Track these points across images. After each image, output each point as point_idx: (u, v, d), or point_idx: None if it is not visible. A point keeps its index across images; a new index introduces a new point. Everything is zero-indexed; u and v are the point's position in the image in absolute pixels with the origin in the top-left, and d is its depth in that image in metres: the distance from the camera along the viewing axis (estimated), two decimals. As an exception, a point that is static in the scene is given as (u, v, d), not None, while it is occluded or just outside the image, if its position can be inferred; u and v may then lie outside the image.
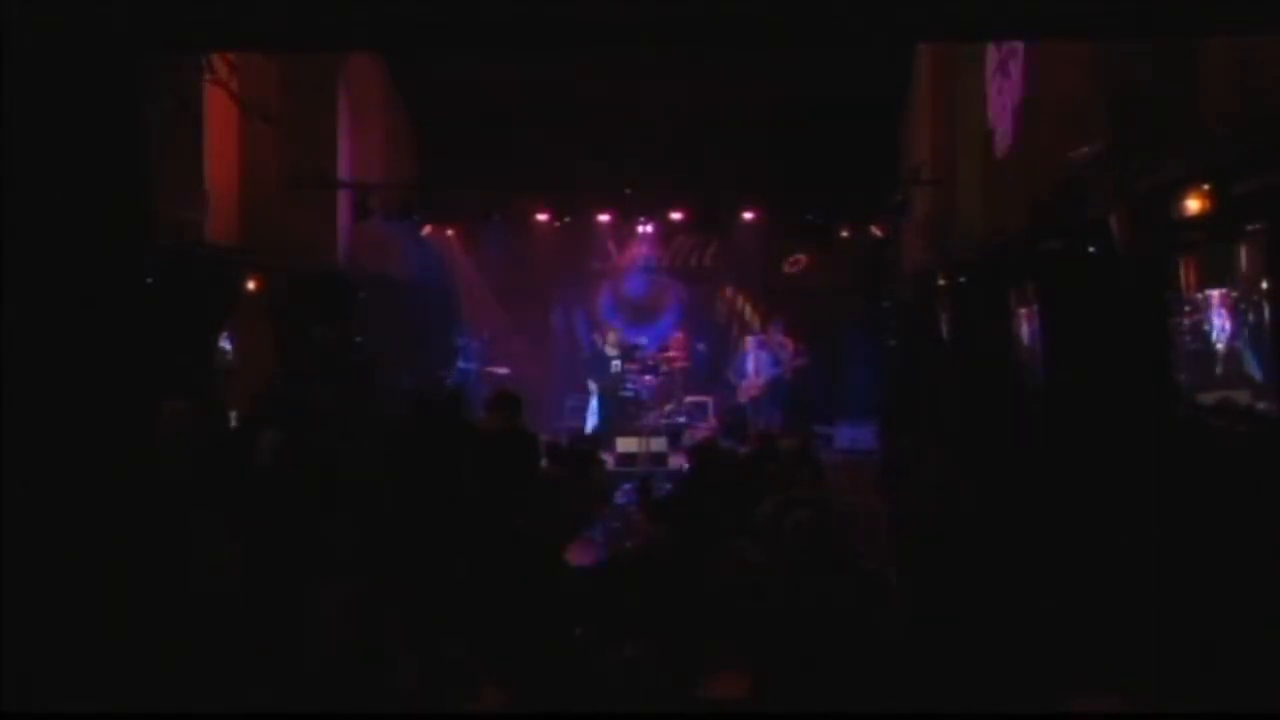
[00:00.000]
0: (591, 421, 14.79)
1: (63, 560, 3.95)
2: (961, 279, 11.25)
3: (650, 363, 15.11)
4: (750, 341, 14.72)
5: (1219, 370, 6.18)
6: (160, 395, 4.87)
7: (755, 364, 14.43)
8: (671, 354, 15.44)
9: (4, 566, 3.81)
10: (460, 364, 15.24)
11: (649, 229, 15.60)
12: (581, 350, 16.17)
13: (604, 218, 15.31)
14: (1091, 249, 7.35)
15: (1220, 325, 6.13)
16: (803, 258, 16.02)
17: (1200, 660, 4.49)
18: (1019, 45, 9.95)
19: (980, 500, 7.13)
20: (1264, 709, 4.10)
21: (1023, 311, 9.33)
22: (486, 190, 14.40)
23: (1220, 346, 6.15)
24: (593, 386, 15.11)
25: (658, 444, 13.59)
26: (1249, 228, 5.68)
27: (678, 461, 12.55)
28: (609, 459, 12.36)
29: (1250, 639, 4.67)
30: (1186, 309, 6.49)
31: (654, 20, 4.27)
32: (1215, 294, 6.18)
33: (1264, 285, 5.61)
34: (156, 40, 4.36)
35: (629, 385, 15.02)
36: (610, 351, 15.16)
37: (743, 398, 14.65)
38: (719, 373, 16.02)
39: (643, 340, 15.71)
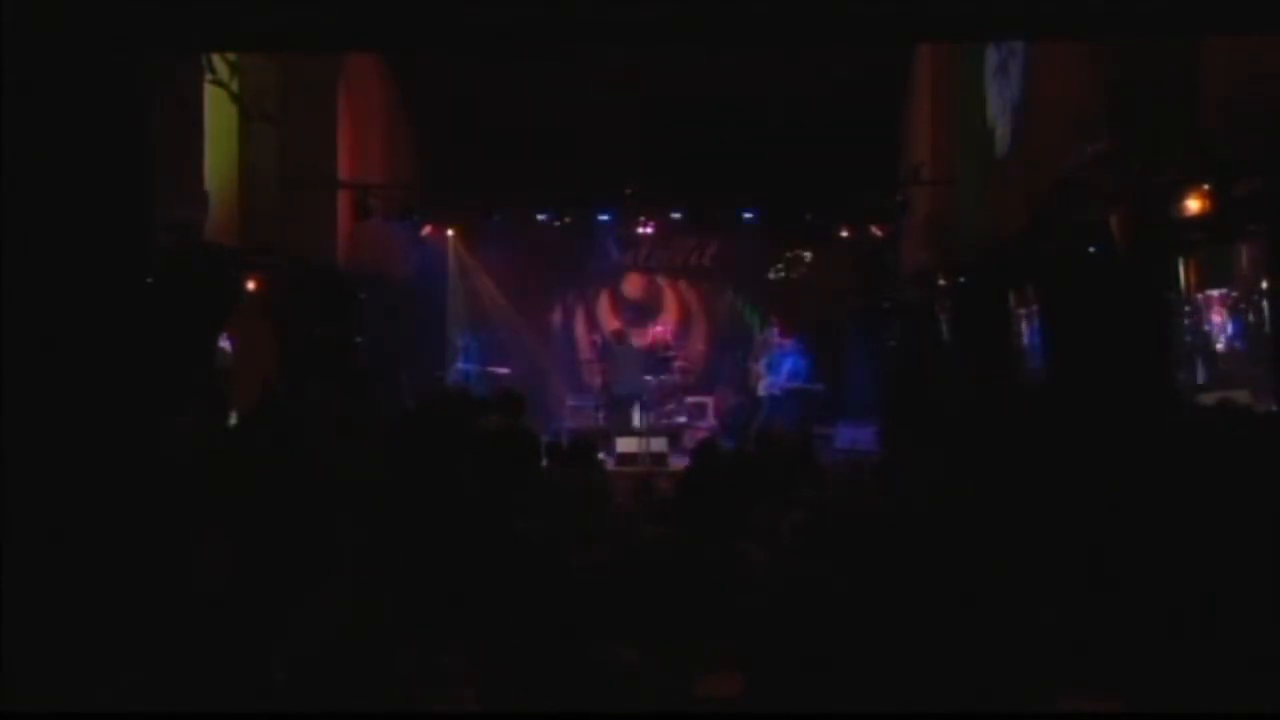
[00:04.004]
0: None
1: (63, 559, 3.96)
2: (961, 279, 11.25)
3: (651, 362, 15.13)
4: (788, 343, 14.61)
5: (1219, 370, 6.18)
6: (160, 394, 4.87)
7: (793, 367, 14.33)
8: (673, 354, 15.45)
9: (4, 566, 3.81)
10: (460, 364, 15.23)
11: (649, 229, 15.60)
12: (581, 350, 16.18)
13: (604, 218, 15.33)
14: (1091, 249, 7.35)
15: (1220, 325, 6.14)
16: (803, 256, 16.02)
17: (1200, 660, 4.49)
18: (1019, 45, 9.95)
19: (980, 500, 7.13)
20: (1264, 709, 4.10)
21: (1023, 311, 9.34)
22: (486, 190, 14.39)
23: (1220, 346, 6.15)
24: None
25: (658, 444, 13.59)
26: (1249, 228, 5.69)
27: (678, 461, 12.55)
28: (609, 459, 12.35)
29: (1251, 639, 4.67)
30: (1186, 309, 6.49)
31: (653, 21, 4.27)
32: (1215, 294, 6.18)
33: (1264, 285, 5.62)
34: (156, 40, 4.36)
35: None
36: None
37: (762, 392, 14.59)
38: (719, 373, 16.05)
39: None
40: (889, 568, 5.21)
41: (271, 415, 8.15)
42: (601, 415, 14.87)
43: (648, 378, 14.91)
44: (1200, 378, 6.36)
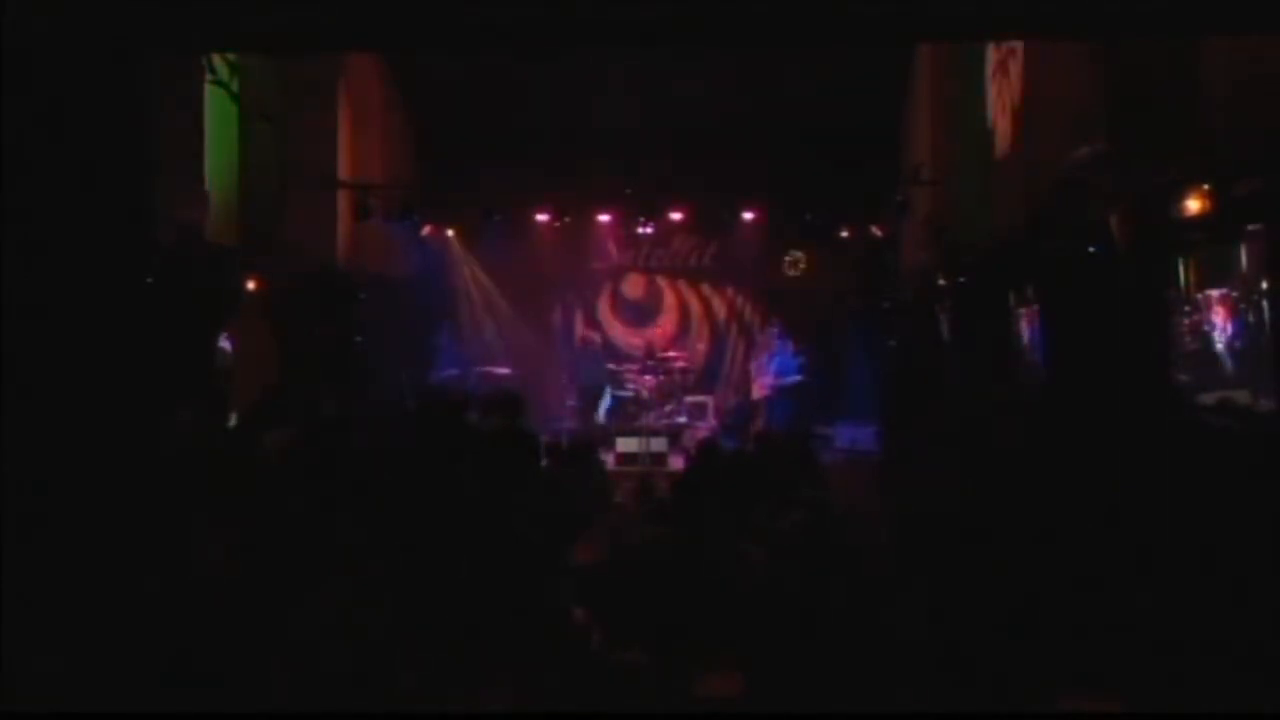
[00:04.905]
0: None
1: (63, 558, 3.96)
2: (961, 279, 11.25)
3: (650, 363, 15.18)
4: (777, 343, 14.68)
5: (1219, 370, 6.18)
6: (160, 394, 4.87)
7: (780, 365, 14.40)
8: (673, 354, 15.49)
9: (4, 567, 3.81)
10: (440, 370, 15.06)
11: (649, 229, 15.61)
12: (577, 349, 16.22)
13: (604, 218, 15.34)
14: (1091, 249, 7.35)
15: (1220, 325, 6.13)
16: (802, 256, 16.03)
17: (1200, 660, 4.49)
18: (1019, 45, 9.95)
19: (980, 500, 7.13)
20: (1264, 709, 4.10)
21: (1023, 311, 9.34)
22: (486, 190, 14.40)
23: (1220, 346, 6.15)
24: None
25: (658, 444, 13.60)
26: (1249, 228, 5.69)
27: (677, 461, 12.57)
28: (609, 459, 12.36)
29: (1251, 639, 4.67)
30: (1186, 309, 6.49)
31: (653, 21, 4.27)
32: (1215, 294, 6.18)
33: (1264, 285, 5.62)
34: (156, 40, 4.36)
35: (629, 385, 15.07)
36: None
37: (757, 394, 14.64)
38: (719, 373, 16.07)
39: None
40: (889, 568, 5.21)
41: (272, 415, 8.14)
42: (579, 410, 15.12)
43: (647, 378, 14.98)
44: (1200, 377, 6.36)
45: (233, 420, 9.09)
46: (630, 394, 15.05)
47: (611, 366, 15.43)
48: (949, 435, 10.51)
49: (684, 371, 15.46)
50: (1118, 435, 6.84)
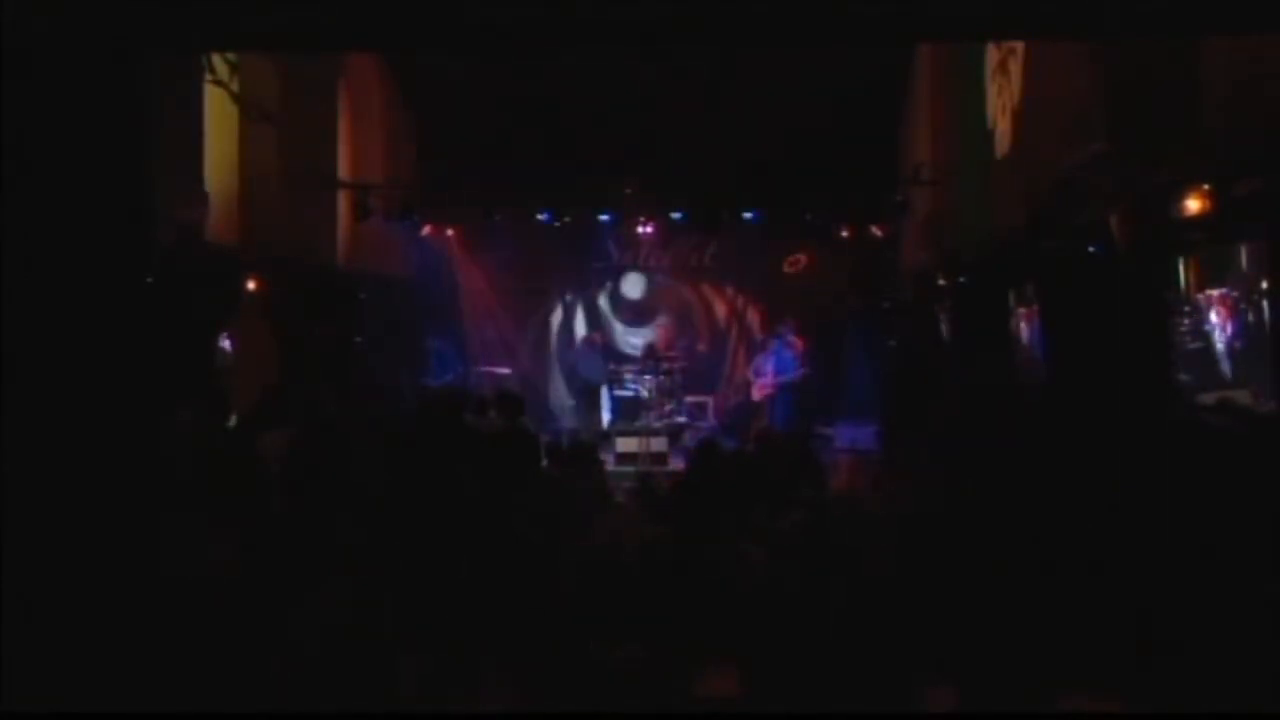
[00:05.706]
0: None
1: (63, 559, 3.96)
2: (961, 279, 11.25)
3: (650, 363, 15.19)
4: (774, 342, 14.73)
5: (1219, 370, 6.18)
6: (160, 394, 4.87)
7: (777, 364, 14.43)
8: (673, 354, 15.49)
9: (4, 567, 3.81)
10: (435, 376, 15.02)
11: (649, 229, 15.61)
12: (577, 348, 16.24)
13: (604, 218, 15.34)
14: (1091, 249, 7.35)
15: (1220, 325, 6.13)
16: (803, 258, 16.04)
17: (1200, 660, 4.49)
18: (1019, 45, 9.94)
19: (979, 500, 7.13)
20: (1264, 709, 4.10)
21: (1023, 311, 9.34)
22: (487, 190, 14.40)
23: (1220, 346, 6.15)
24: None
25: (658, 444, 13.60)
26: (1249, 228, 5.69)
27: (678, 461, 12.58)
28: (609, 459, 12.37)
29: (1250, 639, 4.67)
30: (1186, 309, 6.49)
31: (653, 21, 4.27)
32: (1215, 294, 6.18)
33: (1264, 285, 5.61)
34: (156, 40, 4.36)
35: (629, 385, 15.08)
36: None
37: (756, 395, 14.67)
38: (719, 373, 16.08)
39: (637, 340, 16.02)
40: (889, 568, 5.21)
41: (272, 416, 8.14)
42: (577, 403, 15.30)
43: (647, 378, 15.00)
44: (1200, 377, 6.36)
45: (233, 420, 9.08)
46: (630, 394, 15.05)
47: (611, 366, 15.44)
48: (949, 435, 10.51)
49: (684, 371, 15.47)
50: (1118, 435, 6.84)
